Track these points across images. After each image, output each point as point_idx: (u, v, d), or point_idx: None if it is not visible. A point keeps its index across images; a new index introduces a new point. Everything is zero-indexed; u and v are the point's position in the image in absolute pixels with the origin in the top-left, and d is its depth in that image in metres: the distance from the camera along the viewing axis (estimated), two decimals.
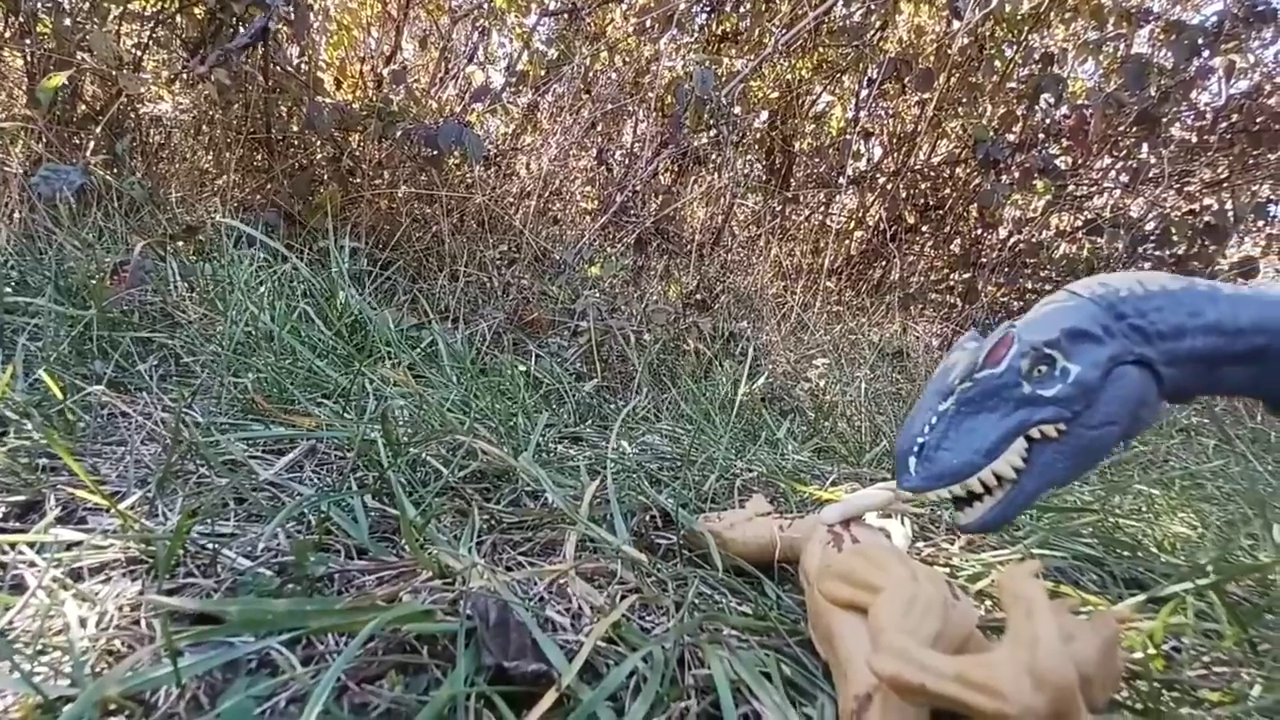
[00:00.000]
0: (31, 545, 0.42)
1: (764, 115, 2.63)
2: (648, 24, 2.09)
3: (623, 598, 0.45)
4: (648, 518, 0.59)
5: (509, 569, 0.49)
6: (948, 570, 0.57)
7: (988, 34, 2.42)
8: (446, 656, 0.37)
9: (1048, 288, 2.63)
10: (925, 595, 0.33)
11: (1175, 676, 0.43)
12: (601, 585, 0.47)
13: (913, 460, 0.40)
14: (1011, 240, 2.53)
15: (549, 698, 0.33)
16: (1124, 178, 2.41)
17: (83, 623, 0.36)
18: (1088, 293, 0.41)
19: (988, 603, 0.52)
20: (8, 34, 1.45)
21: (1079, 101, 2.31)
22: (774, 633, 0.43)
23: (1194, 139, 2.34)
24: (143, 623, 0.37)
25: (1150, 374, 0.40)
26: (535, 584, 0.46)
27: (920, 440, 0.40)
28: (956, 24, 2.27)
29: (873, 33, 2.38)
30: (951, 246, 2.72)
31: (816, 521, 0.46)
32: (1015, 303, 2.68)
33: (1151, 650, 0.45)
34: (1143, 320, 0.40)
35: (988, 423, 0.39)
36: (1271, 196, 2.35)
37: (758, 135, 2.68)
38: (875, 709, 0.30)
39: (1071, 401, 0.38)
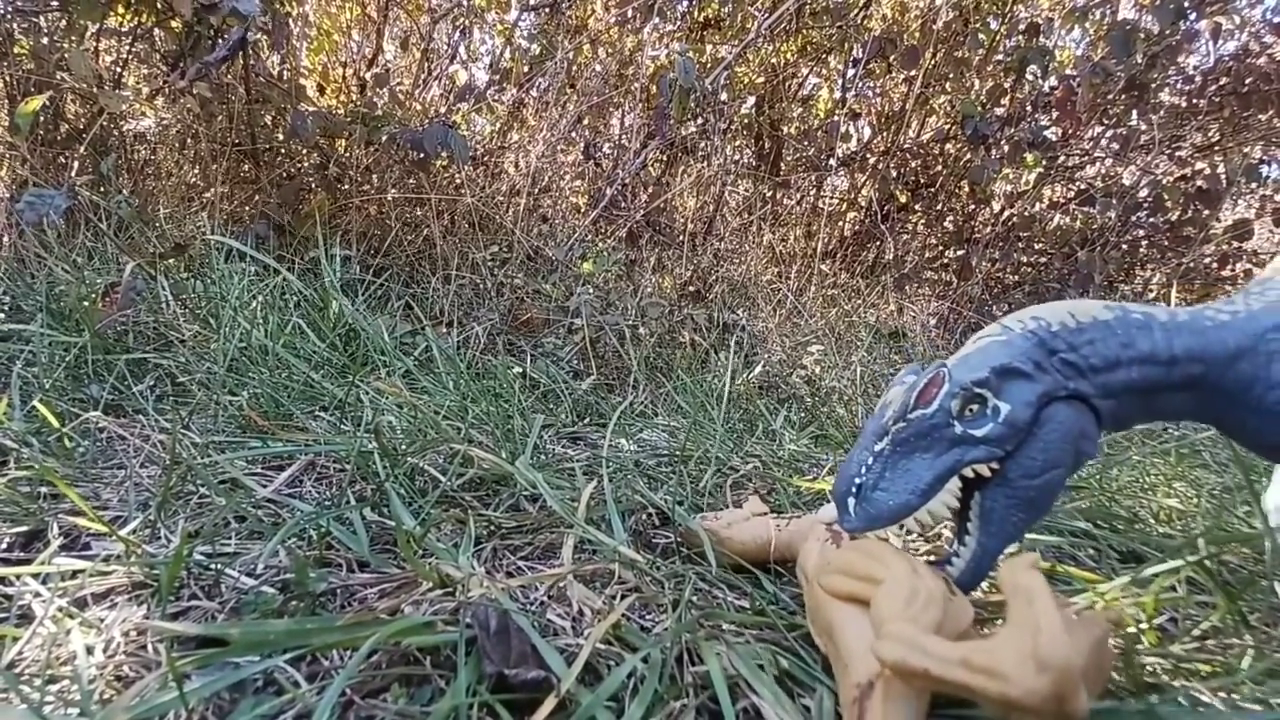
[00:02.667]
0: (36, 575, 0.42)
1: (750, 101, 2.61)
2: (629, 14, 2.08)
3: (622, 598, 0.46)
4: (645, 516, 0.59)
5: (509, 575, 0.50)
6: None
7: (972, 6, 2.40)
8: (449, 666, 0.37)
9: (1042, 261, 2.63)
10: (926, 588, 0.33)
11: (1168, 650, 0.44)
12: (601, 587, 0.47)
13: (851, 501, 0.40)
14: (1004, 215, 2.52)
15: (549, 703, 0.33)
16: (1114, 146, 2.39)
17: (89, 650, 0.37)
18: (1019, 327, 0.41)
19: (985, 585, 0.52)
20: None
21: (1066, 72, 2.29)
22: (772, 627, 0.43)
23: (1183, 104, 2.33)
24: (149, 647, 0.37)
25: (1085, 407, 0.40)
26: (535, 589, 0.46)
27: (857, 481, 0.40)
28: None
29: (856, 12, 2.36)
30: (944, 224, 2.71)
31: (814, 520, 0.47)
32: (1010, 277, 2.68)
33: (1145, 624, 0.45)
34: (1075, 355, 0.40)
35: (922, 463, 0.39)
36: (1263, 158, 2.34)
37: (745, 121, 2.66)
38: (877, 696, 0.31)
39: (1003, 441, 0.38)
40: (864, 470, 0.40)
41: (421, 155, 1.57)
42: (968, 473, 0.39)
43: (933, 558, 0.40)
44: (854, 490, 0.40)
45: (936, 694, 0.31)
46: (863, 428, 0.43)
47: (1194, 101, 2.29)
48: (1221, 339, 0.41)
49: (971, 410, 0.39)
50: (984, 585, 0.53)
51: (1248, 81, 2.15)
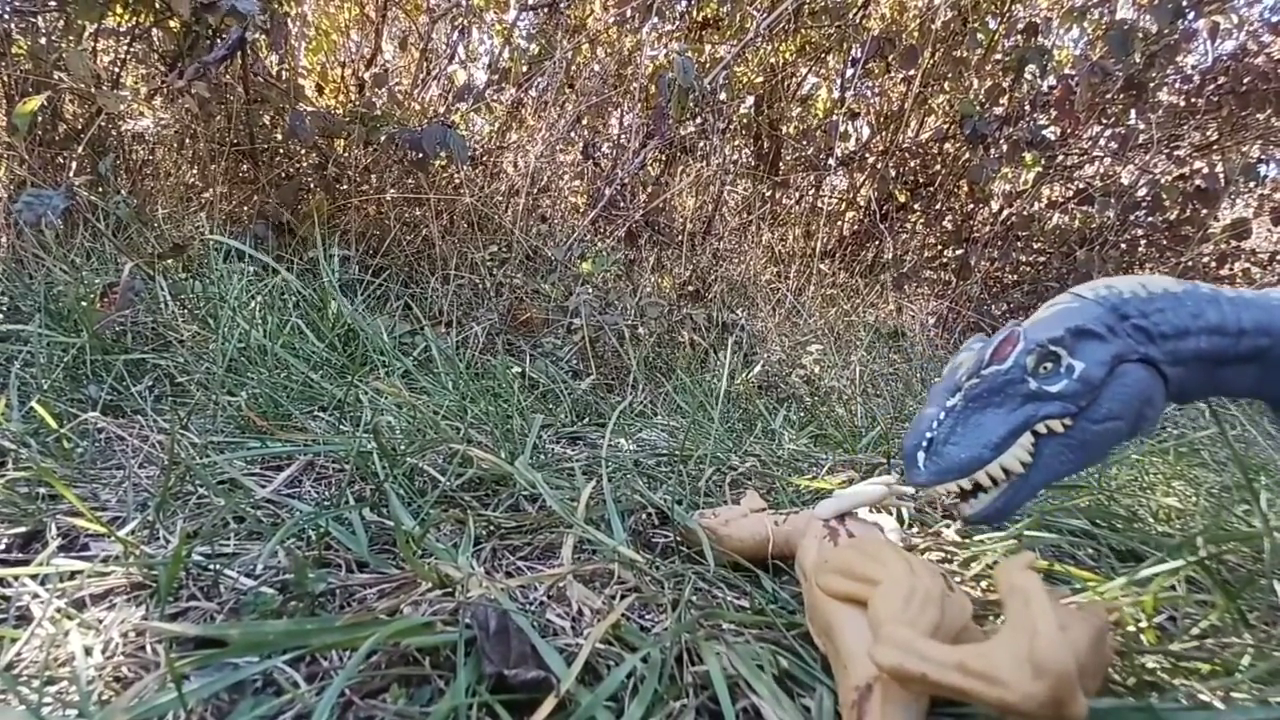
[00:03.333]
0: (34, 576, 0.42)
1: (749, 100, 2.61)
2: (628, 14, 2.08)
3: (621, 598, 0.46)
4: (644, 516, 0.59)
5: (508, 575, 0.50)
6: (943, 555, 0.58)
7: (970, 5, 2.40)
8: (448, 666, 0.37)
9: (1041, 260, 2.63)
10: (924, 587, 0.33)
11: (1167, 648, 0.44)
12: (600, 587, 0.47)
13: (921, 455, 0.40)
14: (1003, 214, 2.52)
15: (549, 703, 0.33)
16: (1113, 145, 2.40)
17: (88, 651, 0.37)
18: (1092, 294, 0.42)
19: (984, 584, 0.53)
20: None
21: (1065, 71, 2.29)
22: (771, 626, 0.43)
23: (1182, 103, 2.33)
24: (148, 648, 0.37)
25: (1155, 373, 0.41)
26: (535, 589, 0.46)
27: (929, 436, 0.40)
28: None
29: (855, 11, 2.37)
30: (943, 223, 2.72)
31: (811, 517, 0.47)
32: (1009, 276, 2.69)
33: (1144, 623, 0.45)
34: (1146, 321, 0.41)
35: (995, 418, 0.40)
36: (1261, 157, 2.35)
37: (744, 121, 2.66)
38: (875, 700, 0.31)
39: (1077, 397, 0.39)
40: (935, 425, 0.40)
41: (420, 155, 1.57)
42: (1040, 429, 0.39)
43: (967, 486, 0.40)
44: (924, 444, 0.40)
45: (936, 695, 0.31)
46: (930, 391, 0.43)
47: (1192, 101, 2.29)
48: None
49: (1046, 368, 0.39)
50: (983, 584, 0.53)
51: (1246, 81, 2.15)
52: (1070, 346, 0.40)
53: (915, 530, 0.62)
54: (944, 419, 0.40)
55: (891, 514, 0.53)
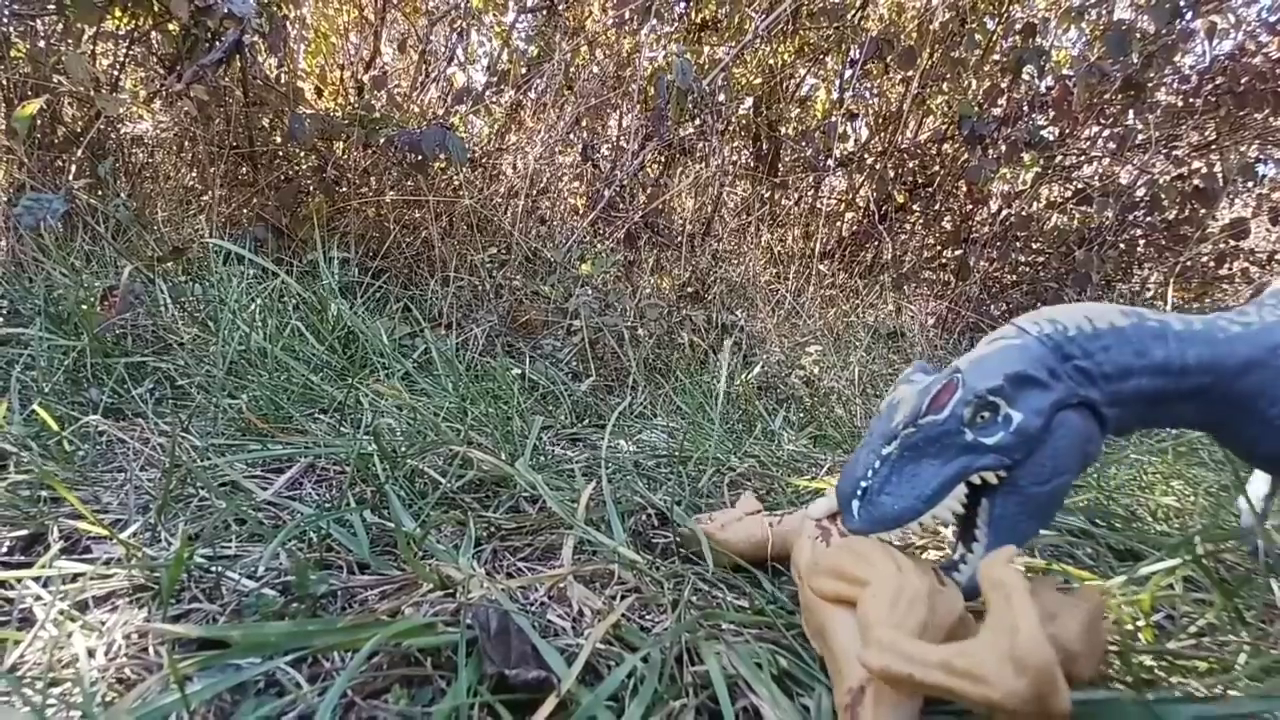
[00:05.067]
0: (37, 579, 0.42)
1: (748, 102, 2.62)
2: (627, 16, 2.08)
3: (621, 598, 0.46)
4: (644, 517, 0.60)
5: (509, 576, 0.50)
6: (942, 554, 0.58)
7: (968, 6, 2.40)
8: (449, 667, 0.37)
9: (1040, 260, 2.64)
10: (911, 587, 0.33)
11: (1164, 647, 0.44)
12: (601, 587, 0.48)
13: (855, 504, 0.40)
14: (1002, 214, 2.53)
15: (550, 703, 0.34)
16: (1111, 145, 2.40)
17: (91, 653, 0.37)
18: (1035, 330, 0.41)
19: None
20: None
21: (1063, 72, 2.30)
22: (770, 626, 0.43)
23: (1180, 103, 2.34)
24: (151, 650, 0.38)
25: (1092, 415, 0.40)
26: (535, 590, 0.47)
27: (863, 484, 0.40)
28: None
29: (853, 13, 2.37)
30: (942, 224, 2.72)
31: (805, 517, 0.47)
32: (1008, 276, 2.69)
33: (1142, 622, 0.46)
34: (1089, 361, 0.40)
35: (929, 469, 0.39)
36: (1260, 156, 2.35)
37: (743, 122, 2.67)
38: (868, 701, 0.31)
39: (1012, 450, 0.39)
40: (870, 474, 0.40)
41: (419, 157, 1.57)
42: (974, 479, 0.39)
43: (936, 556, 0.40)
44: (859, 493, 0.40)
45: (928, 695, 0.31)
46: (870, 427, 0.43)
47: (1190, 101, 2.29)
48: (1233, 350, 0.41)
49: (983, 417, 0.39)
50: None
51: (1244, 81, 2.15)
52: (1010, 396, 0.39)
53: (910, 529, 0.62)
54: (879, 468, 0.40)
55: None
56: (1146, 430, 0.46)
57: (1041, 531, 0.61)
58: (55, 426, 0.61)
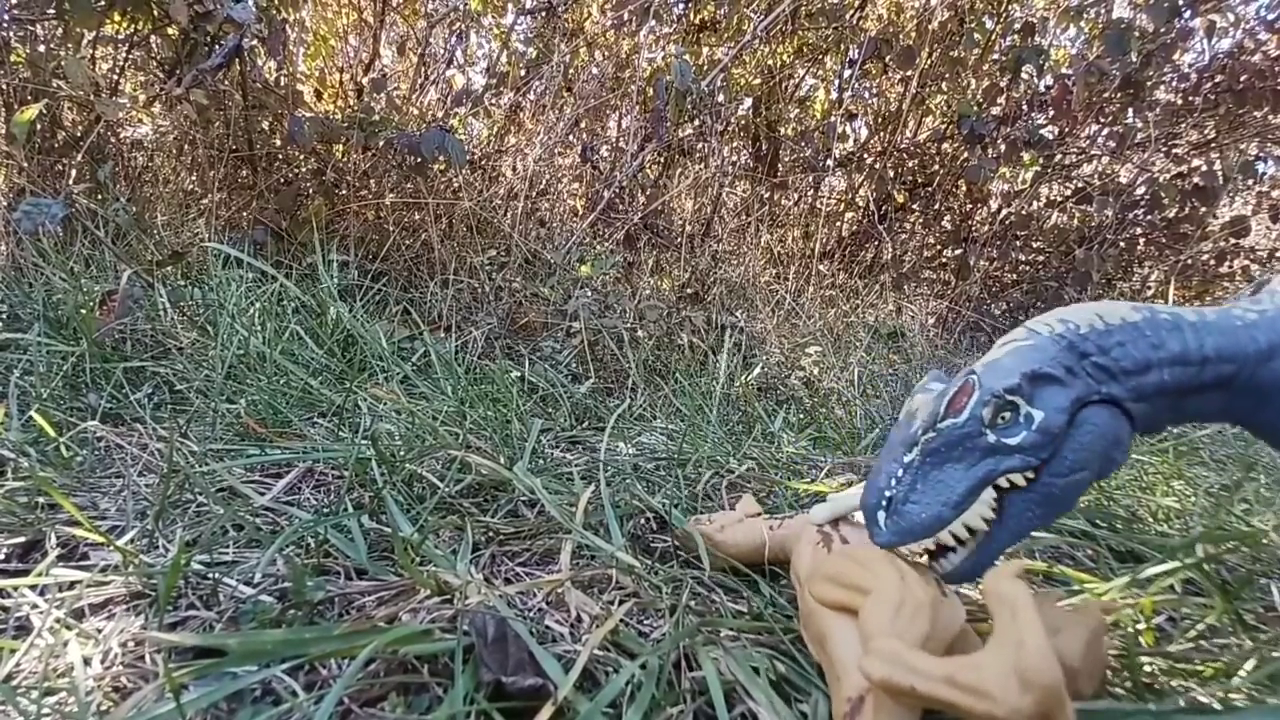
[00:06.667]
0: (33, 586, 0.42)
1: (747, 102, 2.62)
2: (625, 17, 2.08)
3: (619, 604, 0.46)
4: (643, 521, 0.59)
5: (507, 581, 0.50)
6: None
7: (967, 6, 2.40)
8: (446, 674, 0.37)
9: (1040, 259, 2.63)
10: (914, 597, 0.33)
11: (1165, 650, 0.44)
12: (599, 592, 0.47)
13: (881, 515, 0.39)
14: (1002, 213, 2.52)
15: (547, 710, 0.33)
16: (1111, 144, 2.40)
17: (87, 662, 0.37)
18: (1047, 331, 0.40)
19: (980, 586, 0.53)
20: None
21: (1062, 71, 2.30)
22: (769, 631, 0.43)
23: (1179, 101, 2.33)
24: (147, 658, 0.37)
25: (1119, 412, 0.39)
26: (533, 595, 0.46)
27: (888, 495, 0.39)
28: None
29: (852, 13, 2.37)
30: (942, 223, 2.72)
31: (805, 521, 0.47)
32: (1008, 275, 2.68)
33: (1143, 625, 0.45)
34: (1105, 358, 0.39)
35: (954, 474, 0.38)
36: (1259, 154, 2.35)
37: (742, 123, 2.67)
38: (868, 711, 0.31)
39: (1038, 449, 0.37)
40: (894, 482, 0.39)
41: (419, 160, 1.57)
42: (1002, 482, 0.38)
43: (931, 546, 0.39)
44: (884, 503, 0.39)
45: (927, 708, 0.31)
46: (887, 439, 0.42)
47: (1190, 99, 2.29)
48: (1253, 337, 0.40)
49: (1004, 418, 0.38)
50: (979, 587, 0.53)
51: (1243, 79, 2.15)
52: (1028, 394, 0.38)
53: None
54: (902, 476, 0.39)
55: None
56: (1178, 427, 0.45)
57: (1041, 533, 0.61)
58: (53, 432, 0.61)
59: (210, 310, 1.02)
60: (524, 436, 0.76)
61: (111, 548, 0.46)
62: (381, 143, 1.63)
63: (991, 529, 0.39)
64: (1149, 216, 2.35)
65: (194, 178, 1.71)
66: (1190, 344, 0.40)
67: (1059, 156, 2.41)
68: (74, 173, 1.40)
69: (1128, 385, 0.39)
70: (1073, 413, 0.38)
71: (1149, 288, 2.51)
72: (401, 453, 0.65)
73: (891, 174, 2.56)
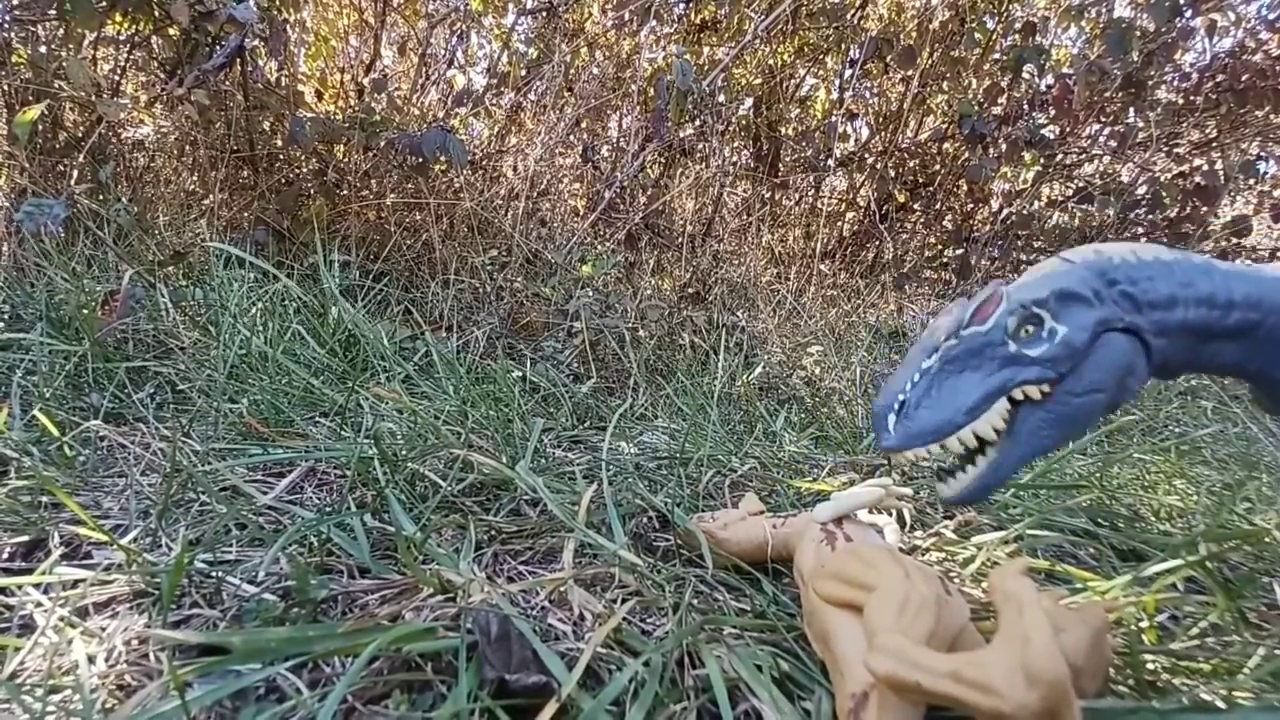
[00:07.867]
0: (37, 585, 0.42)
1: (748, 102, 2.62)
2: (626, 17, 2.08)
3: (622, 602, 0.46)
4: (645, 519, 0.59)
5: (510, 580, 0.50)
6: (943, 555, 0.58)
7: (968, 5, 2.40)
8: (450, 672, 0.37)
9: (1041, 258, 2.63)
10: (919, 594, 0.33)
11: (1168, 648, 0.44)
12: (601, 591, 0.48)
13: (891, 418, 0.39)
14: (1003, 213, 2.52)
15: (550, 708, 0.33)
16: (1112, 144, 2.40)
17: (91, 660, 0.37)
18: (1081, 259, 0.41)
19: (983, 583, 0.53)
20: None
21: (1063, 70, 2.29)
22: (772, 629, 0.43)
23: (1180, 101, 2.33)
24: (151, 656, 0.38)
25: (1139, 343, 0.39)
26: (536, 594, 0.46)
27: (901, 398, 0.39)
28: None
29: (853, 12, 2.37)
30: (943, 223, 2.71)
31: (809, 519, 0.47)
32: (1010, 275, 2.68)
33: (1145, 623, 0.45)
34: (1134, 288, 0.39)
35: (971, 381, 0.38)
36: (1260, 154, 2.35)
37: (743, 123, 2.67)
38: (872, 708, 0.31)
39: (1057, 362, 0.38)
40: (909, 387, 0.39)
41: (420, 160, 1.57)
42: (1017, 395, 0.38)
43: (938, 450, 0.38)
44: (896, 407, 0.39)
45: (932, 703, 0.31)
46: (906, 355, 0.42)
47: (1191, 98, 2.29)
48: None
49: (1028, 331, 0.38)
50: (982, 584, 0.53)
51: (1244, 78, 2.15)
52: (1054, 310, 0.38)
53: (916, 531, 0.62)
54: (918, 380, 0.39)
55: (891, 515, 0.53)
56: (1190, 376, 0.45)
57: (1044, 531, 0.61)
58: (56, 432, 0.61)
59: (212, 310, 1.02)
60: (526, 436, 0.76)
61: (115, 546, 0.46)
62: (383, 143, 1.63)
63: (1005, 446, 0.38)
64: (1150, 216, 2.35)
65: (195, 178, 1.71)
66: (1219, 287, 0.40)
67: (1060, 156, 2.41)
68: (76, 173, 1.40)
69: (1151, 318, 0.39)
70: (1095, 334, 0.38)
71: None
72: (404, 452, 0.65)
73: (892, 174, 2.56)
